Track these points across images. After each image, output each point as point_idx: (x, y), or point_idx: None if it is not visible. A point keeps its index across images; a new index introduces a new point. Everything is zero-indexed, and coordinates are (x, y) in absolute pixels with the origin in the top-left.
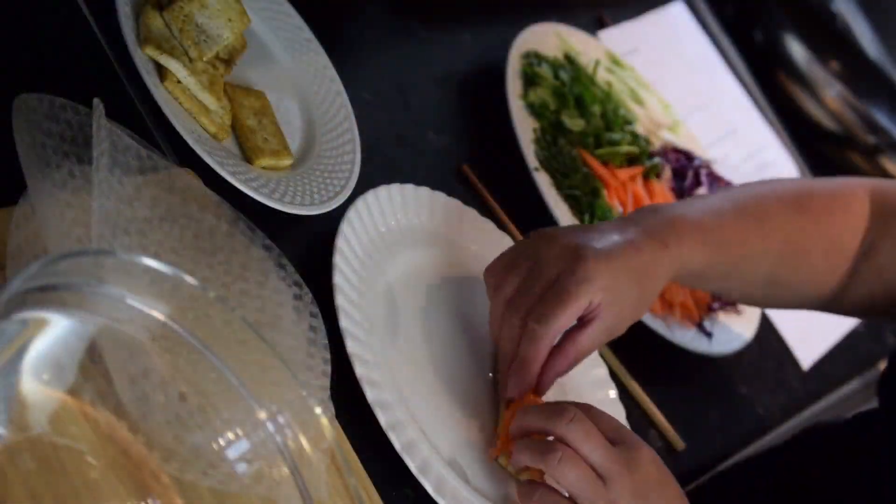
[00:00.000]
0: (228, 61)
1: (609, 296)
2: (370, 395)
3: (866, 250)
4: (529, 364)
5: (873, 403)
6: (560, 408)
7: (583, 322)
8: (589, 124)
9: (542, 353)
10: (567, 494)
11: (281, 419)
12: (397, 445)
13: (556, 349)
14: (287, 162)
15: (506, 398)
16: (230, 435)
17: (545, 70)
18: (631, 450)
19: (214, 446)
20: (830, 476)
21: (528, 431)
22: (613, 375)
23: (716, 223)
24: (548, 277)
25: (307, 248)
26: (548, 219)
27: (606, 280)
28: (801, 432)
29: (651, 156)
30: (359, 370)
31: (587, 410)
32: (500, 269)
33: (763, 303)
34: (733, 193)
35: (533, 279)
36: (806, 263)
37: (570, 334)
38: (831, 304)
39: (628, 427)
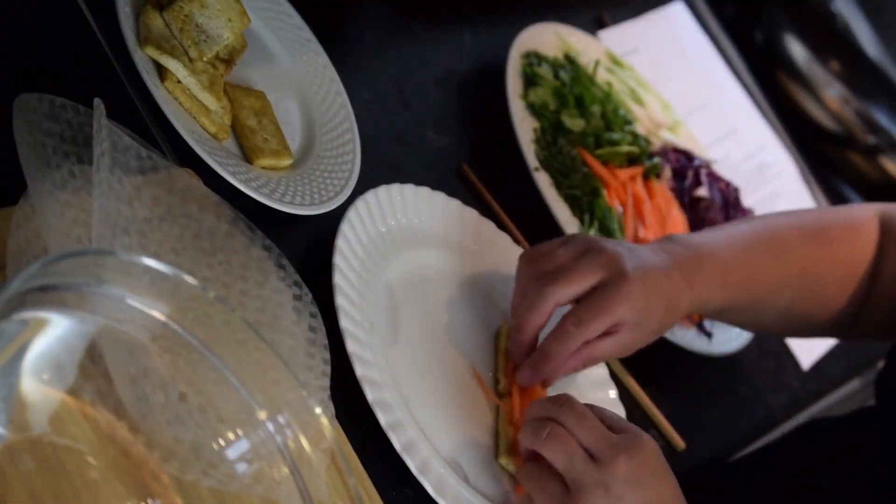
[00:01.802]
0: (228, 61)
1: (637, 317)
2: (370, 395)
3: (874, 273)
4: (552, 359)
5: (873, 402)
6: (557, 396)
7: (604, 334)
8: (589, 124)
9: (569, 352)
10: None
11: (281, 419)
12: (397, 445)
13: (574, 354)
14: (287, 162)
15: (515, 385)
16: (230, 435)
17: (545, 70)
18: (631, 438)
19: (214, 446)
20: (828, 472)
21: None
22: (613, 375)
23: (739, 261)
24: (588, 281)
25: (307, 248)
26: (548, 219)
27: (641, 301)
28: (799, 428)
29: (651, 156)
30: (359, 370)
31: (591, 405)
32: (539, 252)
33: (778, 332)
34: (755, 226)
35: (574, 277)
36: (822, 292)
37: (589, 343)
38: (847, 330)
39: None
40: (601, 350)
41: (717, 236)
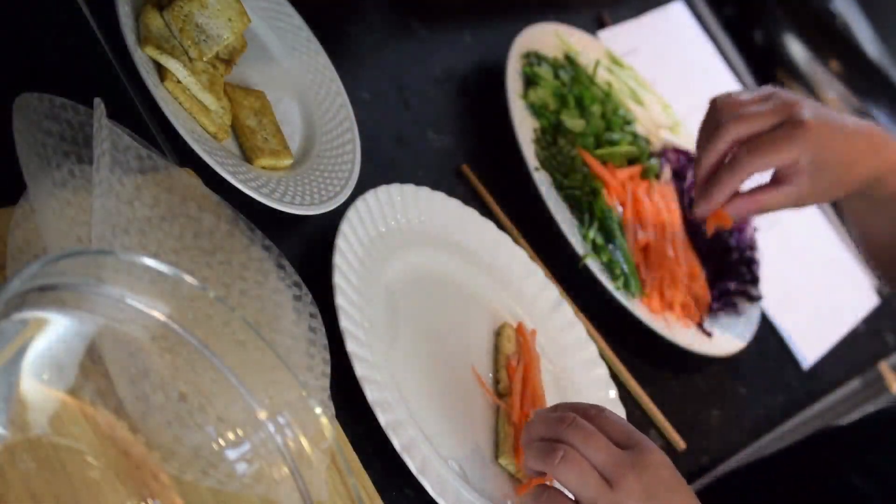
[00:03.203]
0: (228, 61)
1: (811, 166)
2: (370, 395)
3: None
4: (721, 186)
5: (874, 405)
6: (561, 414)
7: (776, 180)
8: (589, 124)
9: (738, 180)
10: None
11: (281, 419)
12: (397, 445)
13: (746, 196)
14: (287, 162)
15: (518, 387)
16: (230, 435)
17: (545, 70)
18: (641, 453)
19: (214, 446)
20: (839, 480)
21: (536, 439)
22: (613, 375)
23: None
24: (765, 119)
25: (307, 248)
26: (548, 219)
27: (817, 150)
28: (808, 437)
29: (651, 156)
30: (359, 370)
31: (599, 412)
32: (729, 95)
33: None
34: None
35: (753, 112)
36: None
37: (761, 187)
38: None
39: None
40: (775, 197)
41: None
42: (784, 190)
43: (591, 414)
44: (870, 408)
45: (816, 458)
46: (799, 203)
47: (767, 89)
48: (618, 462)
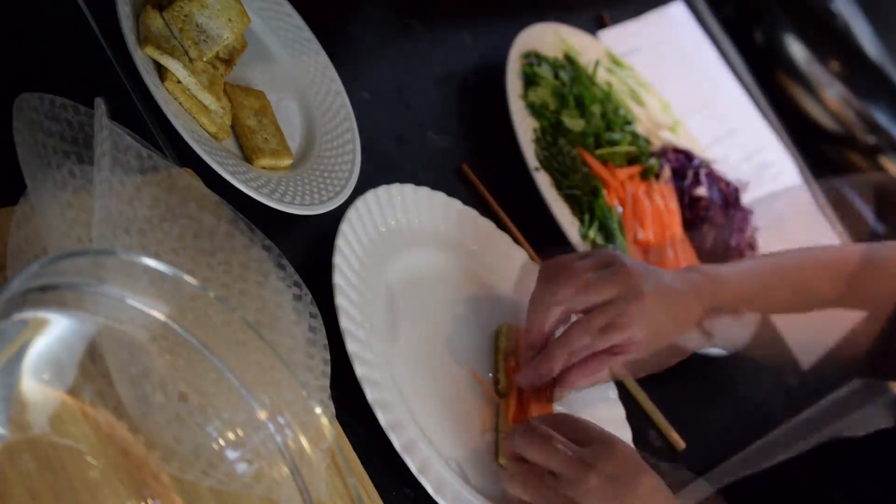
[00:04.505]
0: (228, 61)
1: (648, 337)
2: (370, 395)
3: None
4: (551, 363)
5: (874, 406)
6: (520, 427)
7: (613, 351)
8: (589, 124)
9: (570, 357)
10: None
11: (281, 419)
12: (397, 445)
13: (579, 364)
14: (287, 162)
15: (516, 387)
16: (230, 435)
17: (545, 70)
18: (600, 448)
19: (214, 446)
20: (850, 494)
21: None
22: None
23: (756, 294)
24: (604, 294)
25: (307, 248)
26: (548, 219)
27: (653, 321)
28: (817, 448)
29: (651, 156)
30: (359, 370)
31: (556, 418)
32: (559, 264)
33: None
34: (779, 261)
35: (590, 287)
36: (843, 330)
37: (596, 356)
38: (873, 368)
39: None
40: (611, 368)
41: (738, 269)
42: (619, 360)
43: (548, 421)
44: (870, 409)
45: (796, 473)
46: (636, 371)
47: (594, 252)
48: (571, 463)
